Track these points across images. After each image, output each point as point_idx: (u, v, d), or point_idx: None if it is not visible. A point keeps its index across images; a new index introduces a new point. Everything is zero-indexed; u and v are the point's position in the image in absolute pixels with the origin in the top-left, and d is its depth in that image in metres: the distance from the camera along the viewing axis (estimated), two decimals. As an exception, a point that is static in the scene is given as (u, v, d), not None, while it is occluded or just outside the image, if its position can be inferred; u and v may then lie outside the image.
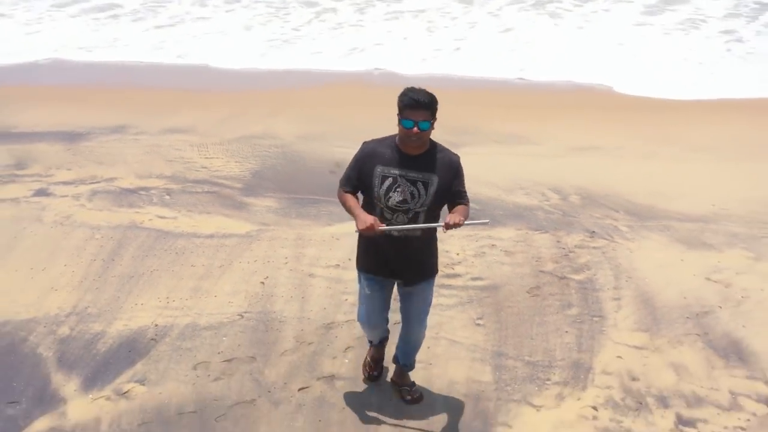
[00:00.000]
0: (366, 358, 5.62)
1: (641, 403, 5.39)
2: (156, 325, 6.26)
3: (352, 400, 5.40)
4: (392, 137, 4.69)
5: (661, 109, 12.53)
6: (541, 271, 7.27)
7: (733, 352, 6.04)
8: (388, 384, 5.52)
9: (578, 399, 5.44)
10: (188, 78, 15.11)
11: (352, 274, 6.02)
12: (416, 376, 5.56)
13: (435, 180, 4.57)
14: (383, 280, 4.92)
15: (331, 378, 5.62)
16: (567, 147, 10.89)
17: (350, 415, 5.24)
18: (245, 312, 6.48)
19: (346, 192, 4.76)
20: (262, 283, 6.99)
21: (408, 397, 5.38)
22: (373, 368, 5.53)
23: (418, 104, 4.39)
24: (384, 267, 4.84)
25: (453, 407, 5.32)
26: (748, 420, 5.24)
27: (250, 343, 6.02)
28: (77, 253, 7.55)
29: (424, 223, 4.64)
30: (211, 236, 7.95)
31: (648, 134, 11.29)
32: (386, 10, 19.52)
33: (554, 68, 15.02)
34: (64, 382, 5.55)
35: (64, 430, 5.04)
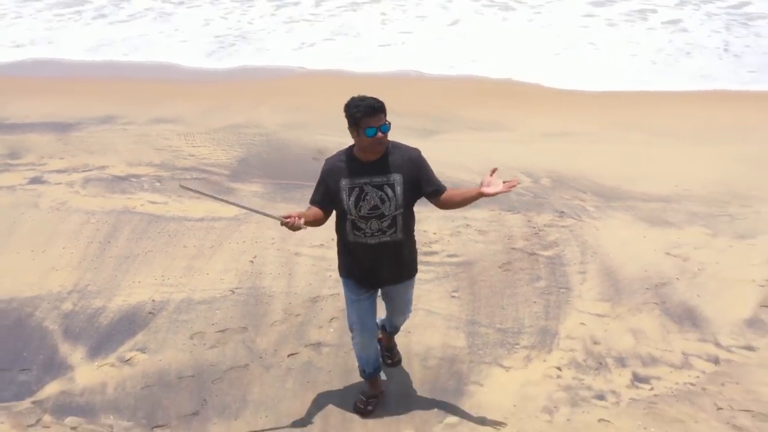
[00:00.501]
0: (360, 395, 5.43)
1: (601, 364, 5.90)
2: (153, 301, 6.70)
3: (336, 364, 5.88)
4: (348, 149, 4.73)
5: (591, 103, 13.06)
6: (513, 248, 7.77)
7: (687, 318, 6.56)
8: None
9: (544, 361, 5.95)
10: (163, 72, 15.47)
11: (335, 252, 6.48)
12: (397, 341, 6.04)
13: (399, 179, 4.64)
14: (368, 285, 5.02)
15: (318, 345, 6.10)
16: (540, 133, 11.39)
17: (335, 377, 5.72)
18: (236, 288, 6.94)
19: (313, 208, 4.82)
20: (251, 261, 7.44)
21: (389, 360, 5.76)
22: (367, 402, 5.36)
23: (374, 110, 4.46)
24: (367, 274, 4.94)
25: (430, 369, 5.81)
26: (698, 377, 5.77)
27: (241, 315, 6.48)
28: (74, 236, 7.96)
29: (403, 228, 4.80)
30: (201, 219, 8.38)
31: (616, 121, 11.81)
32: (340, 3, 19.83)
33: (481, 62, 15.47)
34: (71, 351, 6.00)
35: (74, 393, 5.48)
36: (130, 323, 6.36)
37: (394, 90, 13.21)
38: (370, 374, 5.31)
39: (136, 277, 7.09)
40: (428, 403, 5.43)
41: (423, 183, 4.73)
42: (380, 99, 4.53)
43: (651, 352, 6.06)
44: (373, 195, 4.64)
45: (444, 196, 4.77)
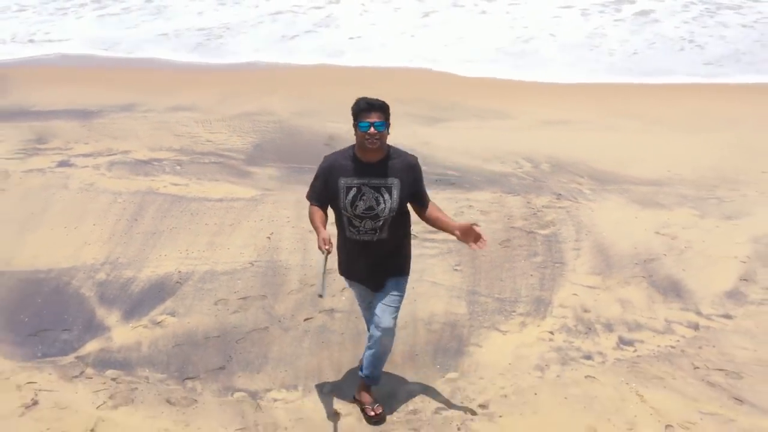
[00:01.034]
0: (362, 404, 5.40)
1: (590, 329, 6.48)
2: (179, 272, 7.30)
3: (348, 327, 6.46)
4: (350, 148, 4.87)
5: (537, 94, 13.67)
6: (512, 227, 8.34)
7: (672, 290, 7.13)
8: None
9: (538, 326, 6.53)
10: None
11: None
12: (402, 311, 6.44)
13: (397, 183, 4.78)
14: (366, 285, 5.18)
15: (331, 311, 6.69)
16: (540, 121, 11.95)
17: (347, 339, 6.30)
18: (255, 261, 7.53)
19: (314, 206, 4.93)
20: (268, 238, 8.02)
21: (371, 413, 5.28)
22: (374, 408, 5.30)
23: (371, 107, 4.64)
24: (358, 275, 5.12)
25: (434, 332, 6.39)
26: (678, 341, 6.33)
27: (261, 285, 7.07)
28: (103, 214, 8.56)
29: (389, 230, 4.90)
30: (221, 200, 8.97)
31: (613, 110, 12.36)
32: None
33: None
34: (107, 314, 6.60)
35: (112, 350, 6.08)
36: (160, 291, 6.95)
37: (399, 81, 13.83)
38: (367, 377, 5.29)
39: (163, 251, 7.67)
40: (431, 361, 5.99)
41: (415, 190, 4.92)
42: (386, 102, 4.73)
43: (636, 319, 6.61)
44: (369, 196, 4.76)
45: (429, 210, 4.97)
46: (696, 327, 6.50)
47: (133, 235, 8.02)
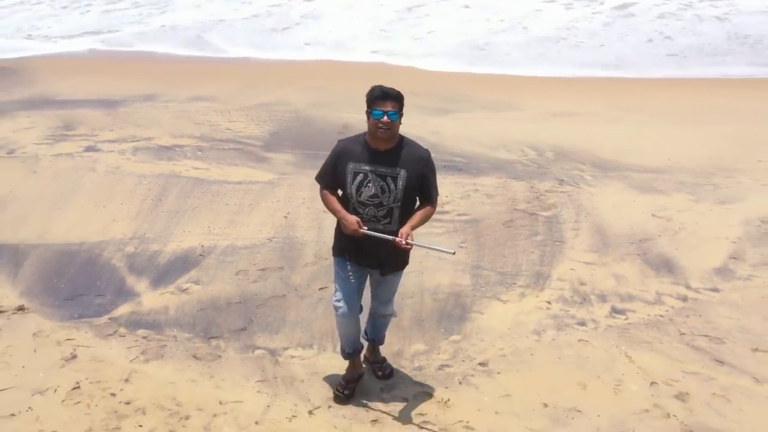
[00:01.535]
0: (339, 380, 5.53)
1: (585, 299, 6.95)
2: (202, 246, 7.82)
3: (360, 296, 6.94)
4: (363, 134, 4.88)
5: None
6: (515, 209, 8.82)
7: (664, 266, 7.59)
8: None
9: (536, 296, 7.01)
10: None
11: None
12: (410, 281, 7.06)
13: (403, 174, 4.75)
14: (359, 267, 5.09)
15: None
16: (547, 113, 12.42)
17: (359, 305, 6.79)
18: (273, 237, 8.04)
19: (326, 190, 4.98)
20: (285, 217, 8.53)
21: (379, 372, 5.64)
22: (344, 387, 5.43)
23: (387, 95, 4.65)
24: (361, 256, 5.02)
25: (439, 301, 6.87)
26: (667, 311, 6.80)
27: (278, 258, 7.58)
28: (130, 195, 9.09)
29: (398, 220, 4.87)
30: (240, 183, 9.48)
31: (617, 104, 12.83)
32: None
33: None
34: (136, 282, 7.13)
35: (142, 313, 6.60)
36: (184, 262, 7.47)
37: (410, 74, 14.36)
38: (349, 354, 5.36)
39: (186, 228, 8.19)
40: (437, 325, 6.48)
41: (424, 184, 4.89)
42: (401, 92, 4.75)
43: (629, 292, 7.08)
44: (375, 183, 4.75)
45: (423, 206, 4.98)
46: (684, 299, 6.95)
47: (158, 213, 8.53)
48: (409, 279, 6.83)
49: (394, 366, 5.79)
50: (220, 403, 5.37)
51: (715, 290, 7.08)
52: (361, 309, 5.24)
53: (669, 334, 6.35)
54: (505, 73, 15.26)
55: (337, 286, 5.13)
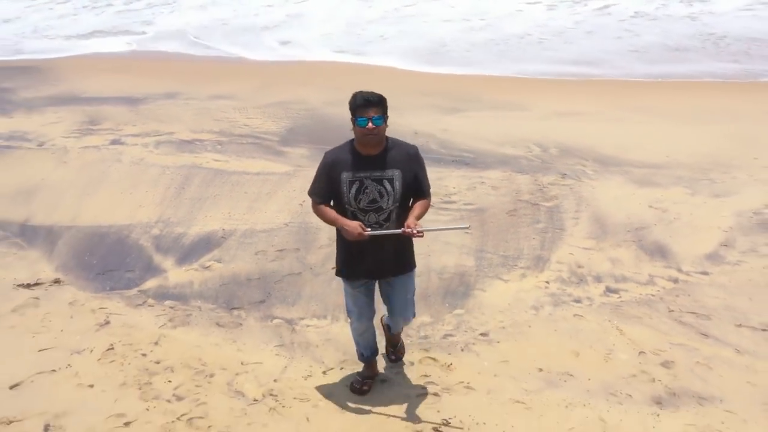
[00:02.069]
0: (356, 375, 5.69)
1: (581, 280, 7.43)
2: (223, 229, 8.35)
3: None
4: (350, 143, 4.90)
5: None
6: (519, 200, 9.30)
7: (657, 252, 8.05)
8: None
9: (536, 277, 7.49)
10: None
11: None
12: (417, 262, 7.44)
13: (398, 174, 4.79)
14: (364, 282, 5.16)
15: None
16: (552, 112, 12.91)
17: (370, 283, 7.29)
18: (289, 222, 8.56)
19: (321, 204, 4.97)
20: (300, 205, 9.04)
21: (393, 357, 5.90)
22: (362, 383, 5.57)
23: (368, 102, 4.63)
24: (361, 271, 5.05)
25: (444, 280, 7.36)
26: (658, 291, 7.27)
27: (295, 240, 8.10)
28: (154, 183, 9.64)
29: (396, 221, 4.90)
30: (258, 174, 10.02)
31: (620, 104, 13.30)
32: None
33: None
34: (163, 260, 7.66)
35: (169, 286, 7.14)
36: (207, 243, 8.00)
37: (419, 76, 14.90)
38: (368, 357, 5.53)
39: (208, 213, 8.72)
40: (441, 301, 6.97)
41: (416, 179, 4.93)
42: (382, 95, 4.74)
43: (623, 274, 7.55)
44: (372, 189, 4.77)
45: (419, 200, 5.00)
46: (675, 281, 7.41)
47: (181, 200, 9.07)
48: (416, 260, 7.26)
49: (402, 335, 6.23)
50: (242, 363, 5.88)
51: (705, 273, 7.52)
52: (373, 315, 5.38)
53: (658, 311, 6.80)
54: (504, 75, 15.76)
55: (347, 300, 5.27)
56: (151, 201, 9.00)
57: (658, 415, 5.39)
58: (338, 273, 5.19)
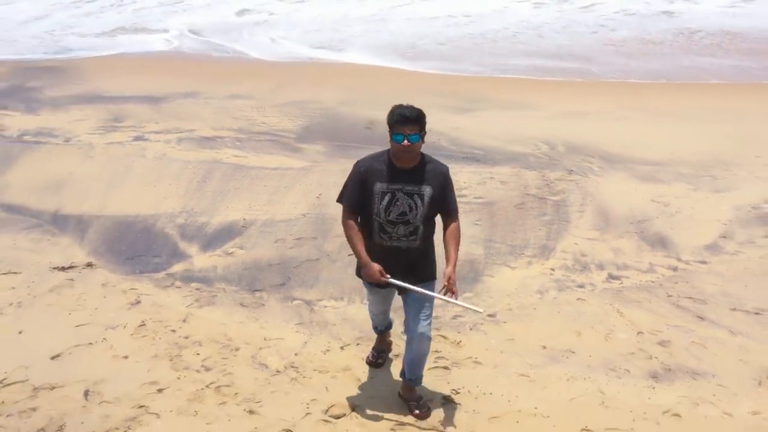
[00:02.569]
0: (371, 350, 5.99)
1: (585, 267, 7.82)
2: (244, 219, 8.78)
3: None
4: (385, 153, 4.86)
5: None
6: (527, 194, 9.70)
7: (659, 243, 8.43)
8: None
9: (542, 264, 7.89)
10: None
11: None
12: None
13: (428, 191, 4.79)
14: (383, 287, 5.11)
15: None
16: (560, 112, 13.32)
17: (384, 268, 7.72)
18: (307, 213, 8.98)
19: (350, 219, 4.95)
20: (317, 197, 9.47)
21: (416, 411, 5.35)
22: (377, 356, 5.90)
23: (406, 119, 4.60)
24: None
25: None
26: (658, 278, 7.65)
27: (312, 230, 8.53)
28: (177, 177, 10.09)
29: (422, 237, 4.97)
30: (276, 168, 10.45)
31: (627, 104, 13.71)
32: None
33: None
34: (188, 247, 8.11)
35: (194, 270, 7.58)
36: (229, 232, 8.43)
37: (429, 76, 15.34)
38: (381, 330, 5.85)
39: (230, 204, 9.16)
40: (452, 285, 7.38)
41: (443, 199, 4.92)
42: (421, 110, 4.72)
43: (625, 262, 7.95)
44: (403, 202, 4.76)
45: (448, 230, 5.02)
46: (675, 269, 7.80)
47: (204, 193, 9.51)
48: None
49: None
50: (265, 339, 6.31)
51: (704, 262, 7.91)
52: (389, 310, 5.66)
53: (658, 296, 7.19)
54: (504, 76, 16.24)
55: (369, 299, 5.60)
56: (175, 193, 9.43)
57: (653, 388, 5.76)
58: (358, 274, 5.26)
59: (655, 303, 7.04)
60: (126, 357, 6.00)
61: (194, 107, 13.36)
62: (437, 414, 5.40)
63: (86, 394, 5.56)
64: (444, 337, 6.40)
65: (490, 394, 5.64)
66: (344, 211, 5.01)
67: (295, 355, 6.08)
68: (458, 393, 5.63)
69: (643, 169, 10.54)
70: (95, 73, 16.20)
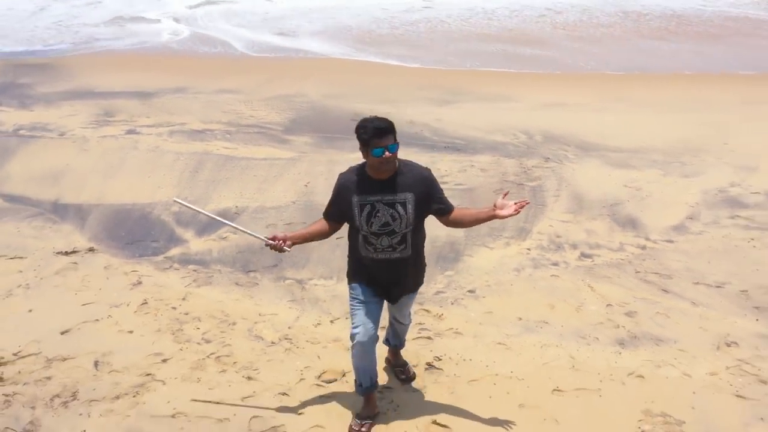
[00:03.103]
0: (354, 418, 5.30)
1: (559, 247, 8.32)
2: (236, 206, 9.23)
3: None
4: (361, 166, 4.72)
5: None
6: (505, 181, 10.19)
7: (629, 224, 8.94)
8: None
9: (519, 245, 8.38)
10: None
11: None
12: None
13: (411, 198, 4.65)
14: (374, 293, 4.99)
15: (357, 233, 8.59)
16: (540, 103, 13.83)
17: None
18: (296, 200, 9.44)
19: (321, 220, 4.95)
20: (305, 186, 9.92)
21: (402, 376, 5.74)
22: (360, 425, 5.22)
23: (382, 131, 4.45)
24: (376, 285, 4.96)
25: (437, 247, 8.22)
26: (627, 256, 8.16)
27: (302, 216, 8.98)
28: (170, 168, 10.51)
29: (411, 244, 4.85)
30: (265, 159, 10.90)
31: (604, 95, 14.25)
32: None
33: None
34: (184, 232, 8.55)
35: (191, 254, 8.02)
36: (223, 218, 8.86)
37: (412, 70, 15.80)
38: (366, 389, 5.17)
39: (222, 193, 9.60)
40: (434, 264, 7.83)
41: (432, 201, 4.79)
42: (389, 119, 4.56)
43: (597, 242, 8.45)
44: (384, 212, 4.63)
45: (453, 215, 4.88)
46: (644, 248, 8.31)
47: (196, 182, 9.95)
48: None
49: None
50: (260, 314, 6.77)
51: (670, 241, 8.42)
52: (377, 339, 4.99)
53: (626, 272, 7.70)
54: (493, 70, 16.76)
55: (354, 313, 4.95)
56: (169, 183, 9.86)
57: (620, 353, 6.26)
58: (349, 277, 5.12)
59: (623, 278, 7.54)
60: (131, 331, 6.44)
61: (184, 102, 13.77)
62: (421, 378, 5.85)
63: (96, 364, 5.99)
64: (427, 311, 6.85)
65: (470, 360, 6.12)
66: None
67: (289, 328, 6.53)
68: (440, 360, 6.10)
69: (617, 157, 11.05)
70: (84, 69, 16.62)
